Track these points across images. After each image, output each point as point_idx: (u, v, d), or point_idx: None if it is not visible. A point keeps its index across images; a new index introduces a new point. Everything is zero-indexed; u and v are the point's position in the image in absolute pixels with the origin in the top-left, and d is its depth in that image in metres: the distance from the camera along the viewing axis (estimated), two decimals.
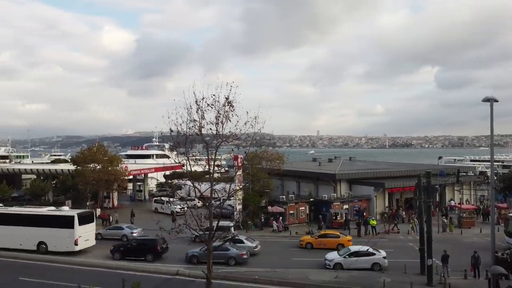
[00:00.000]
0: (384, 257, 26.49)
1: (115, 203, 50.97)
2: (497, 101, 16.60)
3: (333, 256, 27.22)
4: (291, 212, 42.11)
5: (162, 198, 50.79)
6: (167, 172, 67.83)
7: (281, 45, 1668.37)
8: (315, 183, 49.21)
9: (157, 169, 61.95)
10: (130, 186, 60.52)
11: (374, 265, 26.18)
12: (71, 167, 48.50)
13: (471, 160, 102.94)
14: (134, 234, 34.03)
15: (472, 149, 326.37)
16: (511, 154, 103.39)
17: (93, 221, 31.94)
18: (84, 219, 30.64)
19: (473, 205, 47.34)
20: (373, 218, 39.59)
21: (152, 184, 68.05)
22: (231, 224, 32.31)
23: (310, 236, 33.50)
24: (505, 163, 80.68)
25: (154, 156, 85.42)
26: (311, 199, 44.71)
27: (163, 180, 70.52)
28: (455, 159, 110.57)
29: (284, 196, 45.08)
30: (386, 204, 45.20)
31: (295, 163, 62.25)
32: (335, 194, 44.83)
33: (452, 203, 47.49)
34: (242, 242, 29.57)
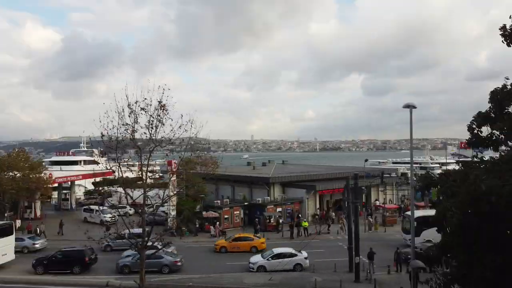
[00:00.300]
0: (306, 258, 27.35)
1: (38, 213, 47.60)
2: (416, 107, 17.95)
3: (256, 259, 27.70)
4: (226, 216, 42.14)
5: (91, 206, 48.33)
6: (97, 179, 64.64)
7: (217, 49, 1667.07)
8: (250, 187, 49.74)
9: (85, 176, 58.73)
10: (55, 194, 56.89)
11: (296, 265, 26.98)
12: None
13: (393, 163, 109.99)
14: (37, 245, 32.53)
15: (395, 152, 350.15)
16: (428, 156, 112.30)
17: (12, 234, 29.58)
18: (2, 232, 28.33)
19: (395, 204, 50.70)
20: (305, 220, 40.88)
21: (79, 192, 64.51)
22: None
23: (224, 240, 33.92)
24: (422, 165, 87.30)
25: (82, 163, 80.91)
26: (246, 203, 45.09)
27: (92, 187, 67.06)
28: (379, 162, 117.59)
29: (219, 201, 45.03)
30: (318, 206, 46.90)
31: (230, 167, 62.45)
32: (269, 198, 45.64)
33: (377, 203, 50.48)
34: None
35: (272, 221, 41.28)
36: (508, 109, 10.56)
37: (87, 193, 64.70)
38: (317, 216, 44.19)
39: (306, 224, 38.86)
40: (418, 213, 33.18)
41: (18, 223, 39.34)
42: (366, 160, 59.73)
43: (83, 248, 27.60)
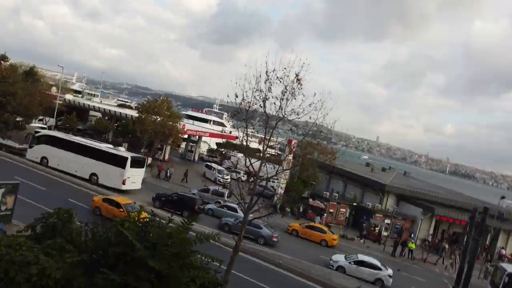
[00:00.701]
0: (390, 276, 25.58)
1: (166, 156, 52.93)
2: None
3: (338, 258, 27.06)
4: (331, 210, 41.51)
5: (212, 164, 51.86)
6: (221, 140, 69.17)
7: (361, 35, 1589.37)
8: (362, 189, 47.91)
9: (211, 135, 63.29)
10: (183, 145, 62.50)
11: (377, 280, 25.48)
12: (135, 113, 50.85)
13: None
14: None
15: None
16: None
17: (143, 167, 33.55)
18: (136, 163, 32.22)
19: None
20: (413, 241, 37.85)
21: (204, 148, 69.74)
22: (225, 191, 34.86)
23: (299, 225, 33.89)
24: None
25: (211, 122, 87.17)
26: (355, 204, 43.71)
27: (214, 147, 72.06)
28: None
29: (327, 193, 44.46)
30: (431, 232, 43.01)
31: (348, 163, 60.90)
32: (380, 206, 43.46)
33: (503, 251, 43.84)
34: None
35: (376, 230, 39.42)
36: None
37: (210, 150, 69.68)
38: (427, 242, 40.58)
39: (413, 246, 35.88)
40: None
41: (149, 160, 44.27)
42: (502, 198, 52.35)
43: (196, 197, 29.96)
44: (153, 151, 50.60)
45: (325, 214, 39.41)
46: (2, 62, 45.62)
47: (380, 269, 25.92)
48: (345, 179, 50.99)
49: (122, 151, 34.61)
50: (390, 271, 26.03)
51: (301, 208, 40.36)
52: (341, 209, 42.18)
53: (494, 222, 38.21)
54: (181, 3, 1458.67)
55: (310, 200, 41.44)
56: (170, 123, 47.76)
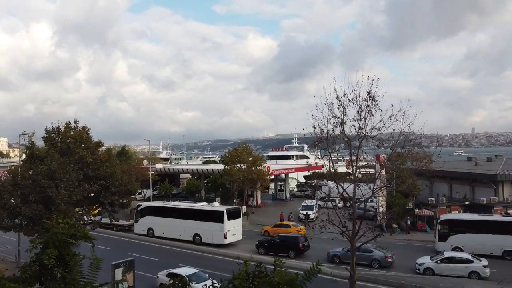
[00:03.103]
0: (485, 266, 23.60)
1: (259, 201, 53.55)
2: None
3: (423, 260, 25.41)
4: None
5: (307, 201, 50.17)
6: (307, 172, 68.60)
7: (432, 35, 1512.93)
8: (471, 185, 43.90)
9: (297, 169, 63.11)
10: (271, 186, 62.91)
11: (471, 273, 23.70)
12: (221, 167, 52.71)
13: None
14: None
15: None
16: None
17: (240, 217, 34.17)
18: (232, 215, 32.95)
19: None
20: None
21: (292, 184, 69.58)
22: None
23: (269, 226, 36.95)
24: None
25: (294, 157, 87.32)
26: (466, 203, 40.09)
27: (303, 180, 71.57)
28: None
29: (433, 199, 41.37)
30: None
31: (447, 163, 56.56)
32: (496, 198, 39.30)
33: None
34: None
35: None
36: None
37: (299, 185, 69.25)
38: None
39: None
40: (446, 216, 32.74)
41: (244, 209, 45.07)
42: None
43: (298, 235, 29.58)
44: (245, 199, 51.56)
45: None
46: (98, 148, 50.62)
47: (472, 262, 24.37)
48: (449, 180, 47.22)
49: (216, 206, 35.72)
50: (484, 262, 24.32)
51: (408, 221, 37.85)
52: (453, 212, 38.83)
53: None
54: (243, 54, 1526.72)
55: (416, 210, 38.82)
56: (255, 168, 48.64)
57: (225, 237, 31.86)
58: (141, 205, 38.60)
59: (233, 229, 32.68)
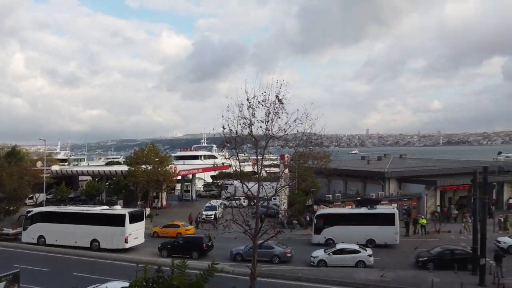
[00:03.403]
0: (370, 255, 26.29)
1: (164, 203, 52.53)
2: None
3: (318, 253, 27.37)
4: None
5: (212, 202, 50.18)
6: (214, 172, 69.00)
7: (338, 41, 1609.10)
8: (363, 182, 48.03)
9: (204, 169, 63.16)
10: (178, 186, 62.08)
11: (358, 262, 26.17)
12: (125, 168, 50.61)
13: None
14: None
15: None
16: None
17: (143, 220, 33.13)
18: (134, 217, 31.84)
19: None
20: (423, 216, 37.99)
21: (199, 185, 69.48)
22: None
23: (159, 227, 37.02)
24: None
25: (202, 157, 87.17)
26: (358, 198, 43.71)
27: (210, 180, 71.84)
28: None
29: (330, 195, 44.38)
30: (438, 203, 43.17)
31: (343, 162, 61.03)
32: (383, 193, 43.51)
33: (510, 201, 44.62)
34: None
35: None
36: None
37: (206, 185, 69.38)
38: (437, 214, 40.73)
39: (425, 221, 36.06)
40: (321, 211, 35.83)
41: (147, 211, 43.90)
42: (499, 153, 53.32)
43: (202, 235, 29.62)
44: (149, 201, 50.21)
45: None
46: None
47: (359, 252, 26.67)
48: (344, 177, 51.07)
49: (118, 209, 34.24)
50: (369, 251, 26.89)
51: (307, 217, 40.10)
52: (347, 207, 42.06)
53: (496, 178, 38.54)
54: (157, 51, 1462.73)
55: (315, 207, 41.28)
56: (161, 168, 47.60)
57: (126, 241, 30.67)
58: (32, 211, 35.38)
59: (135, 233, 31.61)
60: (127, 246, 30.69)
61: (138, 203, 46.41)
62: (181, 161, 74.70)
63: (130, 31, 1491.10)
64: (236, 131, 17.14)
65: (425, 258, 25.68)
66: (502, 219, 36.19)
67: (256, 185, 17.98)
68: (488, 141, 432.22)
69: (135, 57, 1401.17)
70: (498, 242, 28.72)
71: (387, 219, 31.73)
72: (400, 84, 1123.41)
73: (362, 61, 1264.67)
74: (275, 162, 48.59)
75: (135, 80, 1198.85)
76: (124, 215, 31.11)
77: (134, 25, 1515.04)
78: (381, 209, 34.01)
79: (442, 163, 58.29)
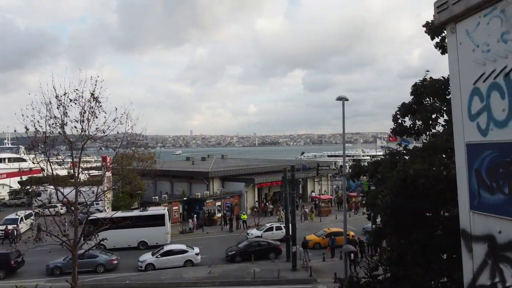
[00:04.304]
0: (197, 254, 27.35)
1: None
2: (348, 100, 19.00)
3: (145, 257, 27.22)
4: None
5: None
6: (24, 177, 60.35)
7: (162, 42, 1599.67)
8: (189, 182, 49.23)
9: (9, 175, 54.81)
10: None
11: (186, 262, 26.99)
12: None
13: (328, 156, 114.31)
14: None
15: (330, 145, 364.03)
16: (360, 149, 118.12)
17: None
18: None
19: (330, 195, 52.90)
20: (244, 212, 41.35)
21: (4, 192, 59.97)
22: None
23: None
24: (355, 157, 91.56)
25: (7, 160, 75.18)
26: (184, 198, 44.67)
27: (18, 186, 62.57)
28: (315, 155, 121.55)
29: (157, 197, 44.12)
30: (256, 199, 47.58)
31: (168, 163, 61.32)
32: (208, 192, 45.52)
33: (313, 194, 52.39)
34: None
35: (216, 215, 41.41)
36: (426, 101, 11.40)
37: (13, 192, 60.34)
38: (255, 209, 44.86)
39: (245, 217, 39.34)
40: (93, 215, 32.30)
41: None
42: (302, 154, 61.59)
43: (7, 251, 25.76)
44: None
45: None
46: None
47: (187, 251, 27.45)
48: (171, 178, 51.43)
49: None
50: (197, 250, 27.75)
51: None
52: (174, 208, 42.59)
53: (301, 174, 44.64)
54: None
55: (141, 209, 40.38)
56: None
57: None
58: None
59: None
60: None
61: None
62: None
63: None
64: (45, 132, 15.52)
65: (234, 252, 27.70)
66: (307, 211, 42.21)
67: (74, 191, 16.75)
68: (294, 143, 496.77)
69: None
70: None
71: (157, 220, 32.22)
72: (220, 88, 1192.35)
73: (185, 64, 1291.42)
74: (96, 164, 45.66)
75: None
76: None
77: None
78: (151, 210, 34.50)
79: (258, 162, 64.43)
